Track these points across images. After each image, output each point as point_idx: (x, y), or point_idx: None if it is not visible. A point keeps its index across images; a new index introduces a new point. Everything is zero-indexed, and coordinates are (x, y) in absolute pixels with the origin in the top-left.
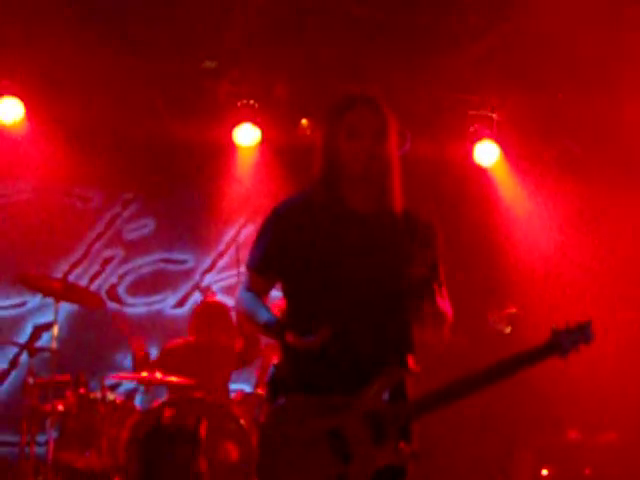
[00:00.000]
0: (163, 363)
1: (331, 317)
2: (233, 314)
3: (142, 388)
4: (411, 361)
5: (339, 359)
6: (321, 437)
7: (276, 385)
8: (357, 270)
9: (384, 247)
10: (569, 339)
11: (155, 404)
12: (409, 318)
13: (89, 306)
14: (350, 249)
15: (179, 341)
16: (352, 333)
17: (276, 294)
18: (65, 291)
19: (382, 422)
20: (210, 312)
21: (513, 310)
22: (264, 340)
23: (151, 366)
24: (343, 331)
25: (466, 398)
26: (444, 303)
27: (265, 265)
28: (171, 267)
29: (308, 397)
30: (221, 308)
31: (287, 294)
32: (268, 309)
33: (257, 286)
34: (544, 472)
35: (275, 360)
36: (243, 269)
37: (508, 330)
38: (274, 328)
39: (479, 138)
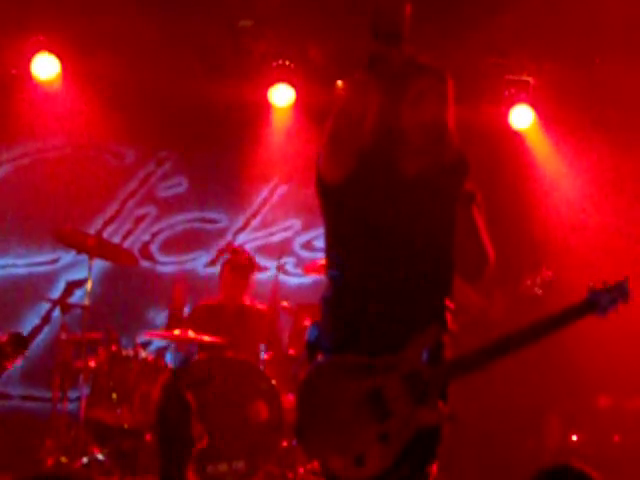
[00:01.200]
0: (194, 321)
1: (367, 274)
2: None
3: (173, 346)
4: (449, 321)
5: (380, 319)
6: (361, 397)
7: (315, 345)
8: (398, 228)
9: (435, 211)
10: (607, 297)
11: (186, 363)
12: (449, 275)
13: (122, 263)
14: (401, 215)
15: (210, 300)
16: (391, 292)
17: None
18: (99, 248)
19: (422, 382)
20: (235, 271)
21: (548, 273)
22: (294, 302)
23: (183, 324)
24: (381, 290)
25: (504, 358)
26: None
27: None
28: (204, 226)
29: (348, 357)
30: (245, 267)
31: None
32: None
33: None
34: (573, 438)
35: (308, 321)
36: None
37: (541, 293)
38: None
39: (515, 102)
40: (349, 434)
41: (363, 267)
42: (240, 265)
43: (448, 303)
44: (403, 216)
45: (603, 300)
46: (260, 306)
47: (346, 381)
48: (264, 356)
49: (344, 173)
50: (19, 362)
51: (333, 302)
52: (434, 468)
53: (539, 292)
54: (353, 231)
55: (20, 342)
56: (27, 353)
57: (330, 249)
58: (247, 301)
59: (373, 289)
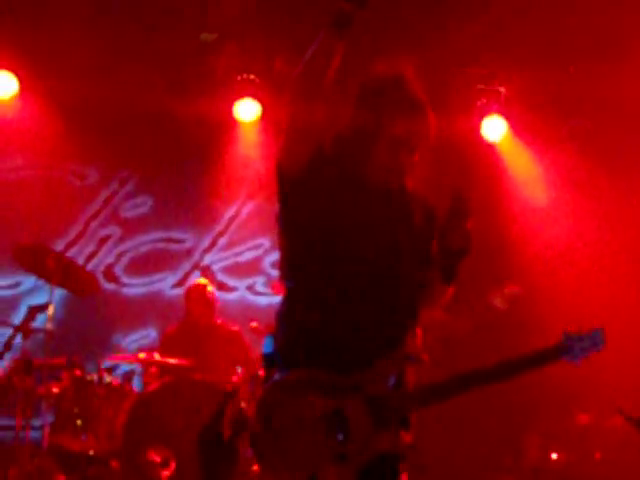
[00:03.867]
0: (165, 349)
1: (343, 289)
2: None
3: (140, 370)
4: (419, 347)
5: (347, 335)
6: (322, 414)
7: (271, 358)
8: (373, 246)
9: (401, 225)
10: (580, 345)
11: (152, 386)
12: (419, 300)
13: (83, 295)
14: (368, 224)
15: (177, 325)
16: (363, 310)
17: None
18: (61, 271)
19: (385, 407)
20: (199, 295)
21: (514, 288)
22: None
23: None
24: (354, 307)
25: (471, 391)
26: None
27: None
28: (170, 246)
29: (311, 373)
30: (207, 292)
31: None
32: None
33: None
34: (553, 456)
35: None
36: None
37: (505, 307)
38: None
39: (486, 113)
40: (305, 452)
41: (330, 280)
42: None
43: (417, 325)
44: (372, 229)
45: (576, 347)
46: (232, 327)
47: (307, 397)
48: (235, 377)
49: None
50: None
51: (294, 315)
52: None
53: (504, 306)
54: (320, 237)
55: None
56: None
57: (290, 257)
58: (218, 321)
59: (340, 303)
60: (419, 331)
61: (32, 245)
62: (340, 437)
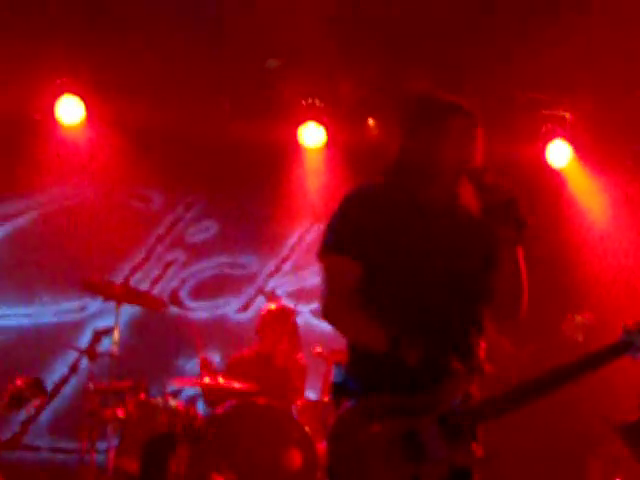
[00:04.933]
0: (231, 373)
1: (411, 314)
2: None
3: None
4: (485, 364)
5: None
6: (396, 438)
7: (342, 387)
8: (442, 270)
9: (465, 245)
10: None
11: (217, 410)
12: (484, 320)
13: (150, 310)
14: (435, 248)
15: (246, 351)
16: (434, 332)
17: None
18: (126, 295)
19: (456, 424)
20: (275, 319)
21: (588, 317)
22: (327, 347)
23: (215, 372)
24: (422, 331)
25: (537, 401)
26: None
27: (350, 244)
28: (234, 271)
29: (382, 398)
30: (286, 314)
31: (364, 279)
32: (370, 321)
33: (345, 275)
34: None
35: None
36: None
37: (581, 338)
38: (388, 345)
39: (552, 138)
40: (382, 476)
41: (403, 305)
42: (279, 314)
43: (482, 344)
44: (439, 252)
45: (637, 340)
46: (298, 356)
47: (380, 423)
48: (299, 402)
49: None
50: (37, 405)
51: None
52: None
53: (580, 338)
54: (388, 265)
55: (38, 387)
56: (46, 398)
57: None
58: (285, 349)
59: (411, 328)
60: (483, 343)
61: (98, 278)
62: (416, 458)
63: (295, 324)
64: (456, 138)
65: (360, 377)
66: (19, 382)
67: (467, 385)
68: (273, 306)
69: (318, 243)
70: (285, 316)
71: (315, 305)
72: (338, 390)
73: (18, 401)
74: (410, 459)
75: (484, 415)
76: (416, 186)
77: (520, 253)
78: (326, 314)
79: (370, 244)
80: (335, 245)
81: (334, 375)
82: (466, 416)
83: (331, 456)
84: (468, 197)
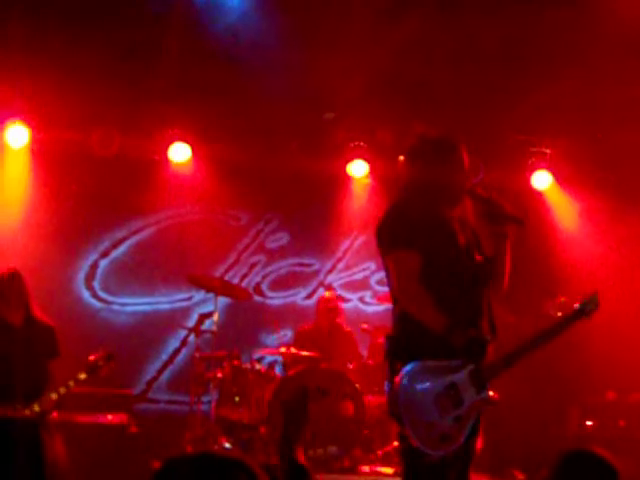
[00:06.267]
0: (298, 344)
1: (455, 297)
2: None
3: (281, 360)
4: (495, 332)
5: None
6: (442, 389)
7: (395, 354)
8: (469, 262)
9: (476, 244)
10: (589, 307)
11: (290, 372)
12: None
13: (240, 299)
14: (462, 245)
15: (307, 325)
16: (467, 306)
17: None
18: (222, 288)
19: (481, 377)
20: (326, 304)
21: (562, 299)
22: (371, 324)
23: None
24: (466, 314)
25: (529, 355)
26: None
27: (414, 240)
28: (302, 269)
29: (428, 362)
30: (332, 302)
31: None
32: (434, 305)
33: (414, 265)
34: (588, 423)
35: (382, 339)
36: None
37: (559, 315)
38: (445, 330)
39: (536, 168)
40: (437, 415)
41: (447, 291)
42: (330, 300)
43: (494, 320)
44: (463, 248)
45: (585, 308)
46: (347, 328)
47: (432, 378)
48: (350, 366)
49: None
50: (108, 370)
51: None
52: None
53: (557, 314)
54: (434, 262)
55: (108, 357)
56: (113, 365)
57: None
58: (340, 322)
59: (452, 306)
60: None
61: (201, 274)
62: (457, 403)
63: (339, 306)
64: (460, 164)
65: (410, 346)
66: (92, 357)
67: (486, 349)
68: (328, 294)
69: (381, 244)
70: (333, 301)
71: (361, 294)
72: (392, 356)
73: (93, 369)
74: (453, 404)
75: (498, 369)
76: (436, 200)
77: (509, 245)
78: (403, 295)
79: (425, 241)
80: (404, 242)
81: (387, 344)
82: (487, 371)
83: (394, 405)
84: (468, 206)
